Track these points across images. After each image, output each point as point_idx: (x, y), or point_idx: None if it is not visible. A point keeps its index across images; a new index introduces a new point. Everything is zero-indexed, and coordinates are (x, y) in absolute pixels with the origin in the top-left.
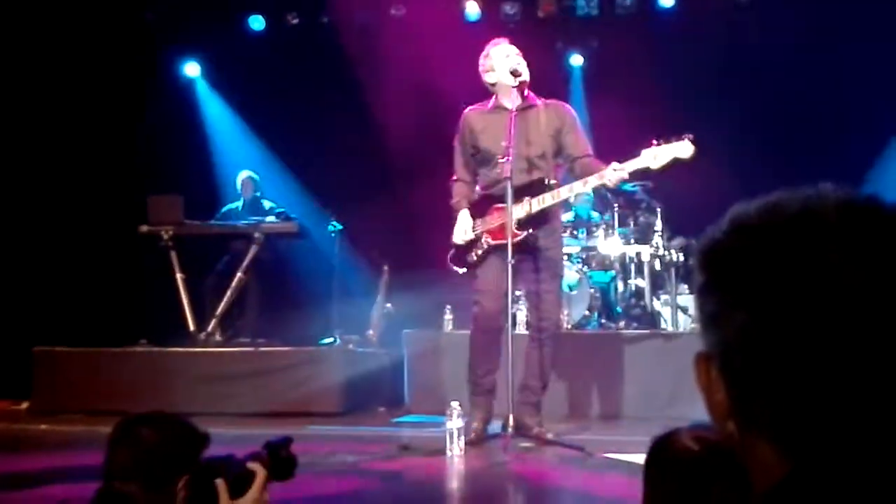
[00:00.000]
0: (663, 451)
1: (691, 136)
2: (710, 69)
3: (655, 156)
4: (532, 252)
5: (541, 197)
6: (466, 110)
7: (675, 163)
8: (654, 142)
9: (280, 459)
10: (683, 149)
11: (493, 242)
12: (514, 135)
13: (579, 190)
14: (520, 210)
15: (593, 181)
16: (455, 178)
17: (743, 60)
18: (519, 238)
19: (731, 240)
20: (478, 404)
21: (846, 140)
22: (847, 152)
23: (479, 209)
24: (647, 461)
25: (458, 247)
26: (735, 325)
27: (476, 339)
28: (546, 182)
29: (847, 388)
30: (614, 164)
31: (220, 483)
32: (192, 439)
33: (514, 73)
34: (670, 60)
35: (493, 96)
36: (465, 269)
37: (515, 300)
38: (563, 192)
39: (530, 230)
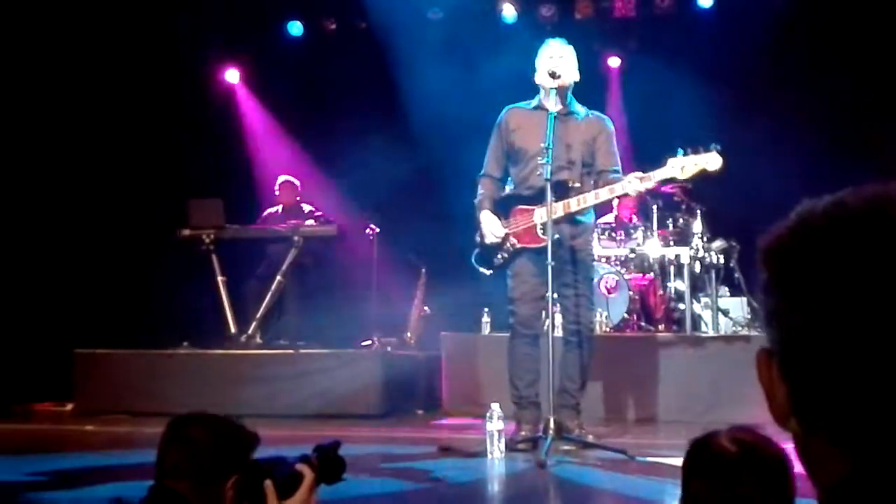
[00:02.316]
0: (702, 452)
1: (719, 147)
2: (748, 70)
3: (683, 167)
4: (563, 255)
5: (566, 202)
6: (507, 107)
7: (703, 174)
8: (681, 151)
9: (329, 462)
10: (712, 161)
11: (519, 246)
12: (552, 137)
13: (605, 197)
14: (546, 214)
15: (618, 189)
16: (483, 172)
17: (783, 61)
18: (545, 243)
19: (795, 237)
20: (525, 417)
21: (891, 140)
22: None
23: (502, 210)
24: (686, 463)
25: (483, 246)
26: (796, 323)
27: (515, 348)
28: (572, 186)
29: None
30: (639, 174)
31: (268, 484)
32: (242, 439)
33: (552, 76)
34: (708, 61)
35: (537, 96)
36: (491, 271)
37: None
38: (590, 199)
39: (557, 234)
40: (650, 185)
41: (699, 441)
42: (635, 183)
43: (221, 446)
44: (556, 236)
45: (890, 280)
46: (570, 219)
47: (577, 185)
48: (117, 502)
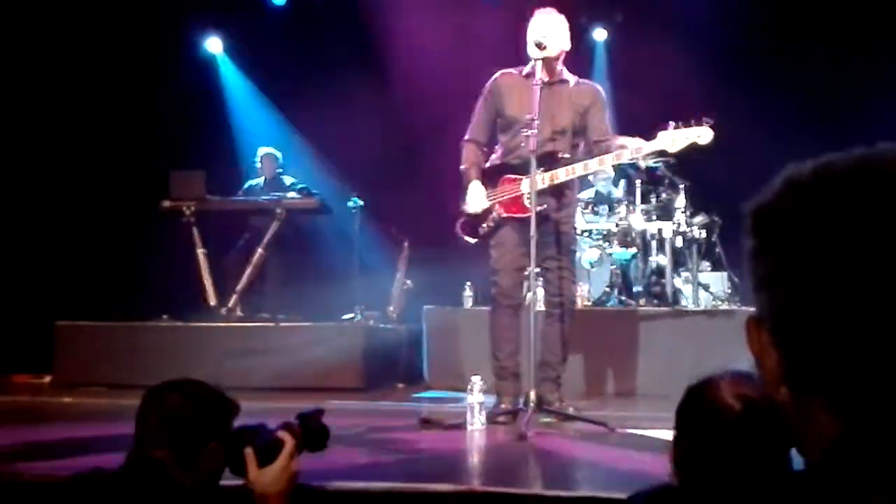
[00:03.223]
0: (702, 403)
1: (711, 120)
2: (733, 45)
3: (673, 140)
4: (547, 227)
5: (555, 172)
6: (498, 73)
7: (693, 148)
8: (672, 124)
9: (312, 430)
10: (703, 134)
11: (505, 215)
12: (539, 108)
13: (595, 167)
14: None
15: (609, 160)
16: (467, 137)
17: (770, 34)
18: (533, 211)
19: (783, 200)
20: (505, 389)
21: (878, 115)
22: (880, 126)
23: (490, 178)
24: (683, 411)
25: (468, 215)
26: (787, 288)
27: (496, 318)
28: (561, 157)
29: None
30: (630, 142)
31: (248, 451)
32: (221, 406)
33: (539, 46)
34: (695, 35)
35: (531, 62)
36: (475, 240)
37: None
38: (578, 169)
39: (544, 205)
40: (639, 156)
41: (698, 390)
42: (625, 154)
43: (200, 413)
44: (543, 206)
45: (882, 240)
46: (557, 191)
47: (566, 155)
48: (94, 472)
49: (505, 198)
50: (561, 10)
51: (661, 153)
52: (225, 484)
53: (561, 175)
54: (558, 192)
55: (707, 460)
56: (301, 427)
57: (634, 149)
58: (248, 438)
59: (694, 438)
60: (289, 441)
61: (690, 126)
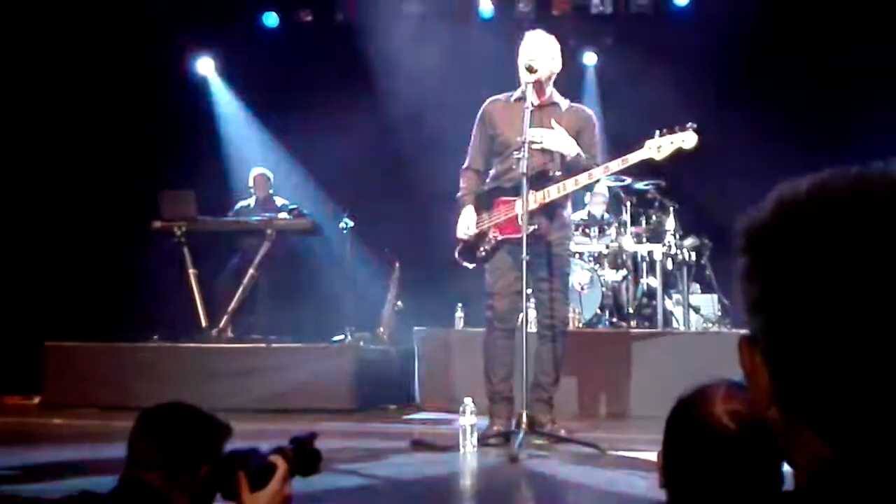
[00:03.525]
0: (694, 419)
1: (695, 125)
2: (723, 68)
3: (659, 147)
4: (540, 249)
5: (546, 190)
6: (489, 100)
7: (680, 153)
8: (658, 132)
9: (305, 454)
10: (687, 139)
11: (500, 237)
12: (531, 130)
13: (584, 182)
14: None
15: (597, 173)
16: (466, 166)
17: (758, 60)
18: (528, 232)
19: (776, 221)
20: (498, 412)
21: (866, 134)
22: (867, 144)
23: (484, 202)
24: (674, 425)
25: (465, 241)
26: (779, 310)
27: (490, 342)
28: (552, 175)
29: (893, 376)
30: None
31: (240, 475)
32: (213, 429)
33: (529, 69)
34: (684, 60)
35: (520, 87)
36: (474, 265)
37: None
38: (569, 185)
39: (536, 225)
40: (627, 166)
41: (689, 403)
42: (614, 165)
43: (193, 436)
44: (535, 226)
45: (875, 265)
46: (551, 210)
47: (558, 173)
48: (83, 495)
49: (501, 220)
50: (552, 33)
51: (649, 161)
52: None
53: (553, 193)
54: (552, 212)
55: (698, 478)
56: (294, 451)
57: (621, 159)
58: (239, 462)
59: (685, 455)
60: (281, 465)
61: (675, 132)
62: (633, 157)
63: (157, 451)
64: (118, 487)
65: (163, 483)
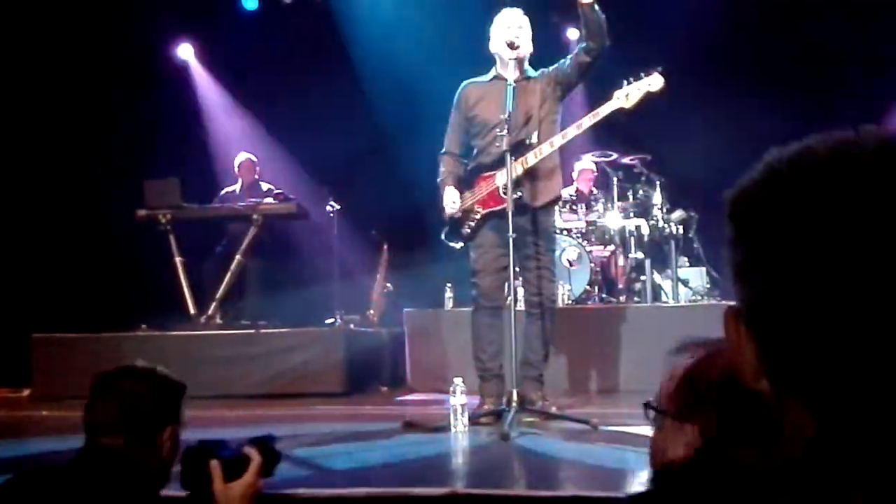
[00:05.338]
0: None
1: (660, 68)
2: (707, 42)
3: (627, 94)
4: (525, 220)
5: (524, 158)
6: (464, 83)
7: (648, 98)
8: (626, 81)
9: (268, 452)
10: (653, 82)
11: (484, 211)
12: (512, 107)
13: (559, 143)
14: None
15: (571, 131)
16: (444, 151)
17: (744, 31)
18: (513, 198)
19: (760, 187)
20: (488, 390)
21: (853, 111)
22: (852, 115)
23: (467, 182)
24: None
25: (451, 221)
26: (763, 278)
27: (478, 320)
28: (529, 143)
29: (881, 345)
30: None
31: (214, 464)
32: (171, 389)
33: (511, 46)
34: (669, 33)
35: (493, 67)
36: (461, 244)
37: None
38: (545, 149)
39: (520, 193)
40: (598, 119)
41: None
42: (586, 121)
43: (156, 396)
44: (519, 194)
45: (859, 229)
46: (532, 177)
47: (535, 140)
48: (39, 468)
49: (483, 194)
50: (533, 9)
51: (619, 111)
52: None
53: (530, 160)
54: (533, 179)
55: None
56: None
57: (592, 114)
58: (212, 452)
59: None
60: (256, 458)
61: (641, 79)
62: (604, 110)
63: (122, 414)
64: (79, 456)
65: (128, 446)
